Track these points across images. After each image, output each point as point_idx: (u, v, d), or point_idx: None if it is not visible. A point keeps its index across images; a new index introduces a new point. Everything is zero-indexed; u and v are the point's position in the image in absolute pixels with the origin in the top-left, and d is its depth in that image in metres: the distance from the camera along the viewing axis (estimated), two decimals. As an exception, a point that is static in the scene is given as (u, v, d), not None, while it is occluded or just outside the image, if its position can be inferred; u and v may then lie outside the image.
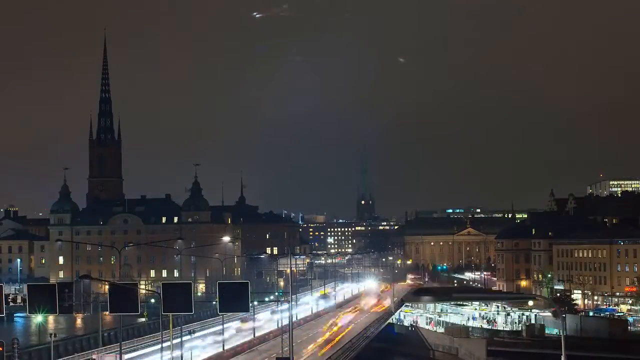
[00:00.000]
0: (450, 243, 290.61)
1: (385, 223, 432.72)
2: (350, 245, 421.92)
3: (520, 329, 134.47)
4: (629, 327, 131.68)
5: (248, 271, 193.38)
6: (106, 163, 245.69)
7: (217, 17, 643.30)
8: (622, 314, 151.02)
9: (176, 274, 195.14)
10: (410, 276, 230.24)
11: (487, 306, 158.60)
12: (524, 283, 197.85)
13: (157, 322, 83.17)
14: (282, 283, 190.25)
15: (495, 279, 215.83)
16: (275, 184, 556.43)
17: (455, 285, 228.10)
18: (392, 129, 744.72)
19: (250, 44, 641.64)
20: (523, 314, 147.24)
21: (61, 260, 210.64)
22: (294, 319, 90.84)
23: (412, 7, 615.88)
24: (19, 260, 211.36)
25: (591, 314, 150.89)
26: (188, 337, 74.92)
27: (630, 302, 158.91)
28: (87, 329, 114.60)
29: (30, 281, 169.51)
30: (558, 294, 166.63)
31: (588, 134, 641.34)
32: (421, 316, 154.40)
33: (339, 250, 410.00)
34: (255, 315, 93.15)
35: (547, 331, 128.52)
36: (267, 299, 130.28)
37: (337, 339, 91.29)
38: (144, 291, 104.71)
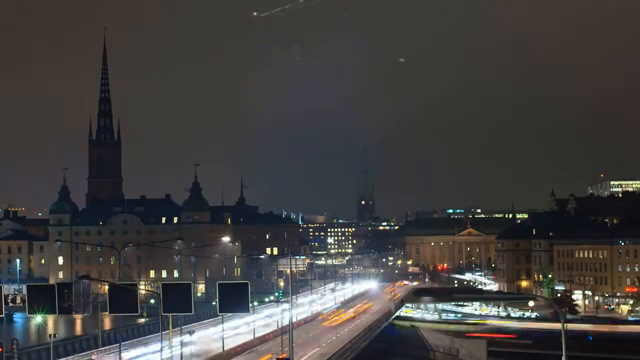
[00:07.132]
0: (450, 243, 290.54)
1: (385, 223, 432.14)
2: (350, 246, 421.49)
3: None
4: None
5: (248, 271, 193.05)
6: (106, 163, 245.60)
7: (217, 17, 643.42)
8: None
9: (176, 274, 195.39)
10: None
11: (488, 307, 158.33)
12: (524, 283, 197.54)
13: (156, 322, 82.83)
14: (282, 283, 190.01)
15: (495, 280, 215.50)
16: (275, 184, 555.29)
17: (456, 285, 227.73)
18: (393, 129, 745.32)
19: (251, 44, 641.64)
20: (523, 315, 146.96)
21: (60, 260, 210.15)
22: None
23: (412, 6, 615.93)
24: (18, 260, 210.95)
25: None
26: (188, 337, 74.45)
27: (631, 302, 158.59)
28: (86, 329, 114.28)
29: (29, 281, 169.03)
30: (559, 295, 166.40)
31: (588, 134, 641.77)
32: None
33: (339, 250, 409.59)
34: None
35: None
36: (267, 300, 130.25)
37: None
38: (143, 291, 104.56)
